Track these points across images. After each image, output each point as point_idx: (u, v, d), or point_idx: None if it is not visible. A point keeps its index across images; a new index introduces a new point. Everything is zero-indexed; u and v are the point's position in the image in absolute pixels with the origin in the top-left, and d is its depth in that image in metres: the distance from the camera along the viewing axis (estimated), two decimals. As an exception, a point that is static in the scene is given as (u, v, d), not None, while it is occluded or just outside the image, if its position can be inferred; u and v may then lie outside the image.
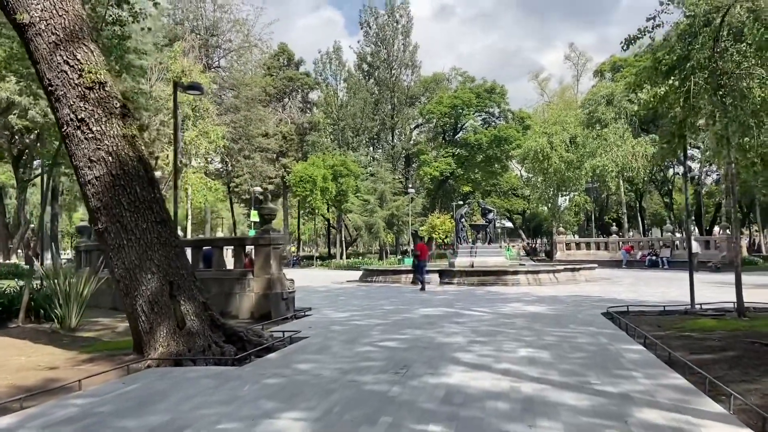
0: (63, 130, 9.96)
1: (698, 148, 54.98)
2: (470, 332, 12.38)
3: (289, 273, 35.95)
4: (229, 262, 20.04)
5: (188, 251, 18.98)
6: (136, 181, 10.09)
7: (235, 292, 16.58)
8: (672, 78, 13.71)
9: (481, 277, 27.95)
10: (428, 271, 28.88)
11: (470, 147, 70.77)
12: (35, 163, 50.16)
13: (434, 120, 73.99)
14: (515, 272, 28.34)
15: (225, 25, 66.19)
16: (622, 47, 14.33)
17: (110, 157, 9.91)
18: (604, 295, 20.73)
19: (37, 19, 9.77)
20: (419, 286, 25.56)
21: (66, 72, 9.79)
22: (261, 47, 68.66)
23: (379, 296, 22.54)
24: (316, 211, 62.38)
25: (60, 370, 9.26)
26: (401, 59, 75.28)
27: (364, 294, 23.84)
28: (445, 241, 66.87)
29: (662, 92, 14.11)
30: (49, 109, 17.40)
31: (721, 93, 12.95)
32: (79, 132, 9.88)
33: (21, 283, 16.29)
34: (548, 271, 28.87)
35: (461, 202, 64.96)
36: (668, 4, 13.35)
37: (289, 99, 76.30)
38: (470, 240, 35.86)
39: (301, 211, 73.38)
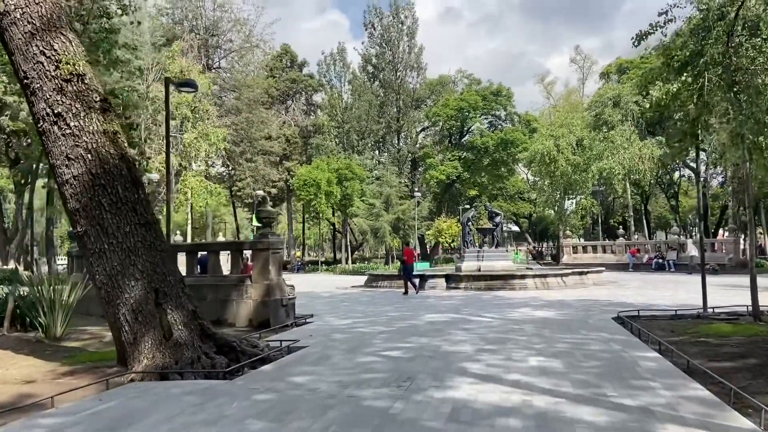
0: (39, 125, 9.37)
1: (704, 150, 54.24)
2: (478, 340, 11.91)
3: (293, 278, 35.53)
4: (228, 269, 19.43)
5: (183, 257, 18.56)
6: (117, 180, 9.47)
7: (232, 298, 15.97)
8: (685, 74, 13.27)
9: (489, 282, 27.50)
10: (434, 276, 28.73)
11: (477, 150, 70.15)
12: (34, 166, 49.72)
13: (440, 123, 73.30)
14: (523, 276, 27.89)
15: (225, 24, 65.60)
16: (633, 43, 13.96)
17: (89, 155, 9.31)
18: (613, 299, 20.45)
19: (12, 7, 9.18)
20: (415, 291, 25.54)
21: (42, 63, 9.20)
22: (263, 48, 68.20)
23: (384, 302, 22.05)
24: (321, 215, 61.85)
25: (37, 384, 8.72)
26: (406, 61, 74.61)
27: (369, 300, 23.33)
28: (452, 245, 66.30)
29: (674, 89, 13.52)
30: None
31: (735, 89, 12.69)
32: (55, 128, 9.30)
33: (6, 290, 15.68)
34: (556, 275, 28.49)
35: (468, 206, 64.43)
36: (681, -2, 12.89)
37: (293, 101, 75.77)
38: (477, 244, 35.24)
39: (306, 216, 72.77)
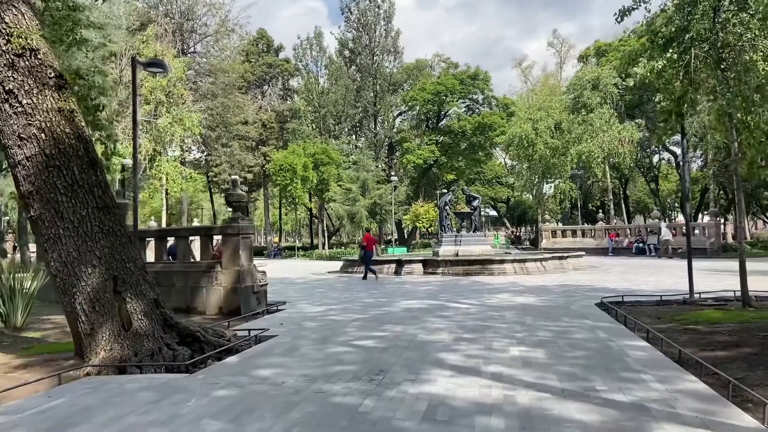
0: (-12, 103, 8.68)
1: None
2: (456, 328, 11.42)
3: (269, 264, 34.92)
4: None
5: (152, 242, 17.89)
6: (74, 161, 8.86)
7: (201, 285, 15.39)
8: (670, 51, 12.79)
9: (467, 267, 27.14)
10: (411, 261, 28.35)
11: (454, 134, 69.75)
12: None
13: (417, 107, 72.60)
14: (501, 261, 27.49)
15: (200, 9, 64.47)
16: (617, 19, 13.54)
17: (43, 134, 8.69)
18: (595, 284, 20.10)
19: (-46, -26, 8.47)
20: (375, 277, 25.54)
21: (-9, 37, 8.53)
22: (239, 32, 67.20)
23: (360, 288, 21.56)
24: (298, 200, 61.23)
25: (-15, 379, 8.07)
26: (383, 45, 73.80)
27: (344, 286, 22.84)
28: (430, 230, 65.89)
29: (660, 66, 13.03)
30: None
31: (722, 66, 12.32)
32: (6, 105, 8.69)
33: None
34: (535, 260, 28.12)
35: (445, 190, 64.00)
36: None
37: (269, 86, 74.91)
38: (455, 228, 34.77)
39: (283, 201, 72.04)
